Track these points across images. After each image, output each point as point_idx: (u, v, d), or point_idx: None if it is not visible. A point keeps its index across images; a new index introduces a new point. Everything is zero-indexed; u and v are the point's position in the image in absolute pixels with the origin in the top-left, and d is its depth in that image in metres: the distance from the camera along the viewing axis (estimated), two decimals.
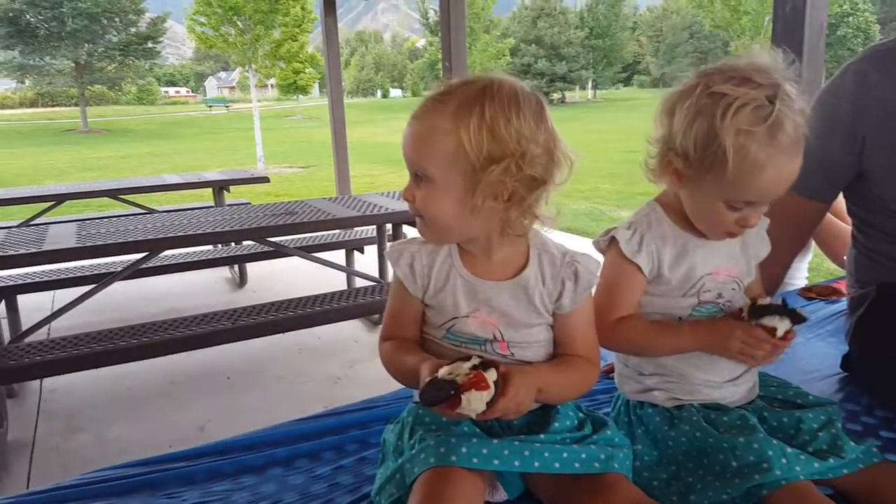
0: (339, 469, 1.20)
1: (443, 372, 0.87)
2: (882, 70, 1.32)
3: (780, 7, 2.18)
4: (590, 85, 54.42)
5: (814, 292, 2.18)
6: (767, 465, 0.95)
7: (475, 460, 0.89)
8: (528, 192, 0.94)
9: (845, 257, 1.95)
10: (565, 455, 0.93)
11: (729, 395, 1.13)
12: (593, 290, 1.09)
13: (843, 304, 2.03)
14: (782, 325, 1.04)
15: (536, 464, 0.92)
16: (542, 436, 0.96)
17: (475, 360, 0.88)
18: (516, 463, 0.91)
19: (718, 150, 0.97)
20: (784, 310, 1.05)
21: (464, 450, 0.90)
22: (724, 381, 1.13)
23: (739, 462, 0.98)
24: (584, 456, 0.94)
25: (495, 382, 0.86)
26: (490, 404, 0.85)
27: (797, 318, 1.05)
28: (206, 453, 1.25)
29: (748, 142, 0.96)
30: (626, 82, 73.14)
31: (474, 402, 0.84)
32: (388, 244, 1.11)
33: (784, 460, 0.96)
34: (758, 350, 1.05)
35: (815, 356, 1.67)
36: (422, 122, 0.97)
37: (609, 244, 1.12)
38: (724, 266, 1.13)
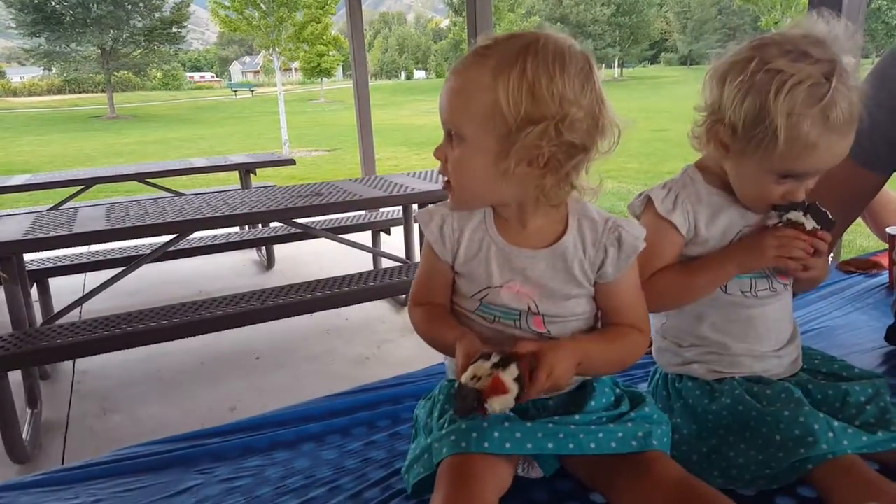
0: (371, 444, 1.20)
1: (466, 376, 0.85)
2: None
3: None
4: (616, 63, 53.45)
5: (853, 266, 2.13)
6: (813, 439, 0.92)
7: (508, 445, 0.87)
8: (567, 158, 0.88)
9: (888, 229, 1.88)
10: (601, 435, 0.90)
11: (772, 368, 1.10)
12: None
13: (883, 277, 1.99)
14: (808, 221, 1.02)
15: (571, 445, 0.89)
16: (576, 416, 0.92)
17: (495, 359, 0.85)
18: (550, 445, 0.88)
19: (769, 127, 0.94)
20: (807, 207, 1.03)
21: (496, 434, 0.87)
22: (766, 352, 1.10)
23: (784, 435, 0.95)
24: (620, 435, 0.91)
25: (517, 379, 0.83)
26: (520, 397, 0.84)
27: (821, 217, 1.03)
28: (239, 429, 1.26)
29: (801, 121, 0.93)
30: (653, 60, 71.79)
31: (499, 407, 0.83)
32: (421, 209, 1.07)
33: (831, 434, 0.93)
34: (795, 249, 1.02)
35: (856, 329, 1.63)
36: (460, 77, 0.91)
37: (644, 206, 1.10)
38: (760, 219, 1.09)
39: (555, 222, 0.98)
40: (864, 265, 2.11)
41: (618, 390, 1.03)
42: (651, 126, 14.62)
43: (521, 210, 0.96)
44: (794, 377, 1.12)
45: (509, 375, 0.83)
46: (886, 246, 1.96)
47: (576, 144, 0.88)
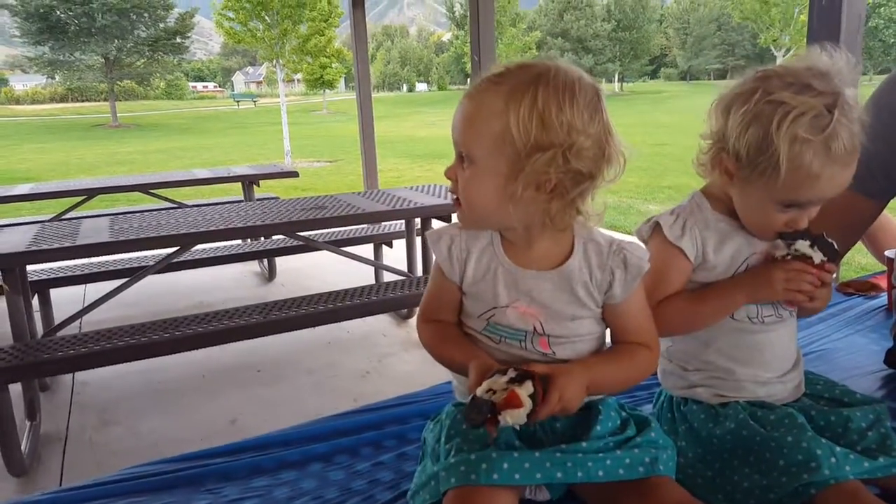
0: (378, 465, 1.20)
1: (481, 389, 0.87)
2: None
3: (816, 0, 2.11)
4: (616, 78, 53.79)
5: (852, 287, 2.13)
6: (816, 464, 0.94)
7: (517, 476, 0.87)
8: (574, 185, 0.91)
9: (886, 252, 1.89)
10: (609, 462, 0.91)
11: (775, 393, 1.11)
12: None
13: (882, 299, 1.99)
14: (816, 254, 1.04)
15: (580, 474, 0.90)
16: (584, 444, 0.93)
17: (511, 374, 0.87)
18: (559, 475, 0.89)
19: (772, 157, 0.96)
20: (812, 236, 1.05)
21: (505, 465, 0.87)
22: (770, 377, 1.11)
23: (787, 461, 0.97)
24: (628, 461, 0.92)
25: (531, 395, 0.85)
26: (532, 414, 0.85)
27: (828, 249, 1.05)
28: (245, 448, 1.26)
29: (803, 152, 0.94)
30: (653, 75, 72.29)
31: (512, 420, 0.84)
32: (431, 229, 1.09)
33: (833, 459, 0.94)
34: (803, 283, 1.04)
35: (856, 352, 1.64)
36: (473, 102, 0.94)
37: (652, 231, 1.12)
38: (767, 250, 1.10)
39: (560, 245, 1.00)
40: (863, 287, 2.12)
41: (623, 413, 1.04)
42: (651, 141, 14.69)
43: (528, 233, 0.99)
44: (796, 402, 1.13)
45: (525, 391, 0.85)
46: (884, 267, 1.96)
47: (582, 172, 0.90)
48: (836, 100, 0.95)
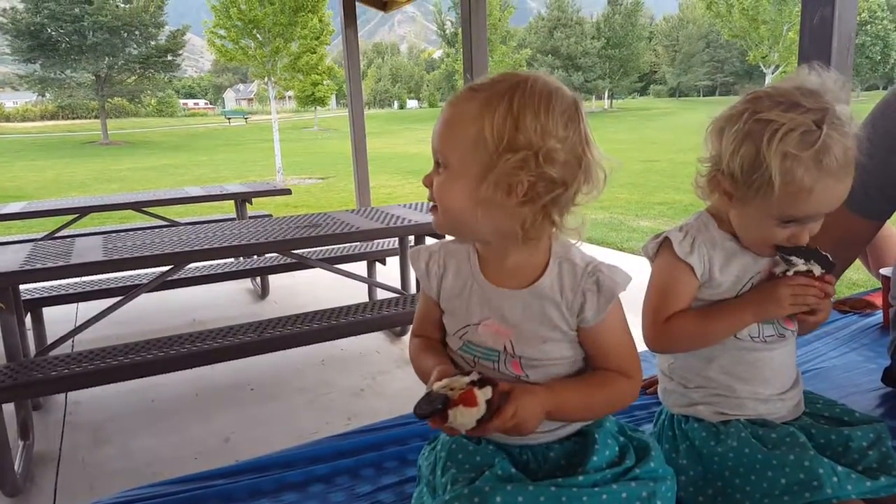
0: (379, 486, 1.20)
1: (440, 385, 0.86)
2: None
3: (807, 18, 2.14)
4: (606, 95, 54.27)
5: (848, 305, 2.14)
6: (818, 483, 0.94)
7: None
8: (546, 191, 0.90)
9: (881, 271, 1.91)
10: (605, 497, 0.90)
11: (776, 411, 1.12)
12: (643, 297, 1.08)
13: (877, 316, 2.00)
14: (815, 267, 1.06)
15: None
16: (580, 478, 0.92)
17: (474, 376, 0.87)
18: None
19: (765, 173, 0.98)
20: (807, 251, 1.06)
21: (498, 499, 0.87)
22: (770, 395, 1.12)
23: (789, 479, 0.97)
24: (624, 496, 0.90)
25: (488, 401, 0.84)
26: (483, 423, 0.84)
27: (824, 261, 1.07)
28: (245, 470, 1.25)
29: (794, 166, 0.96)
30: (643, 92, 72.96)
31: (461, 419, 0.83)
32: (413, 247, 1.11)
33: (835, 479, 0.95)
34: (808, 296, 1.05)
35: (853, 370, 1.65)
36: (451, 109, 0.95)
37: (660, 247, 1.12)
38: (768, 268, 1.12)
39: (534, 262, 0.98)
40: (858, 304, 2.12)
41: (622, 439, 1.02)
42: (641, 157, 14.78)
43: (502, 244, 0.97)
44: (797, 421, 1.14)
45: (482, 395, 0.84)
46: (879, 284, 1.98)
47: (555, 179, 0.89)
48: (824, 115, 0.96)
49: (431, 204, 0.99)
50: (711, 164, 1.08)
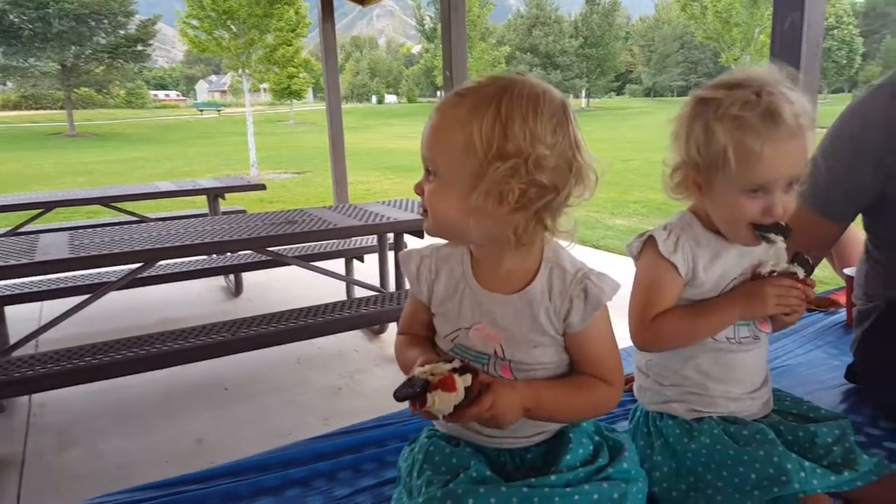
0: (356, 489, 1.18)
1: (421, 370, 0.87)
2: None
3: (778, 23, 2.19)
4: (583, 94, 54.72)
5: (813, 304, 2.18)
6: (786, 478, 0.98)
7: None
8: (538, 197, 0.90)
9: (844, 270, 1.94)
10: (577, 497, 0.90)
11: (746, 409, 1.15)
12: (627, 297, 1.08)
13: (841, 315, 2.05)
14: (798, 269, 1.09)
15: None
16: (552, 477, 0.93)
17: (456, 363, 0.88)
18: None
19: (718, 145, 1.02)
20: (786, 228, 1.07)
21: (470, 501, 0.87)
22: (741, 394, 1.15)
23: (759, 475, 1.01)
24: (595, 497, 0.91)
25: (467, 388, 0.85)
26: (460, 409, 0.85)
27: (806, 265, 1.10)
28: (220, 475, 1.22)
29: (741, 130, 1.00)
30: (619, 91, 73.77)
31: (439, 403, 0.84)
32: (405, 249, 1.10)
33: (802, 473, 0.99)
34: (792, 298, 1.08)
35: (818, 367, 1.70)
36: (439, 115, 0.95)
37: (644, 246, 1.13)
38: (752, 268, 1.14)
39: (527, 268, 0.99)
40: (823, 303, 2.18)
41: (597, 438, 1.04)
42: (617, 156, 14.95)
43: (495, 250, 0.98)
44: (766, 418, 1.17)
45: (462, 382, 0.85)
46: (843, 283, 2.02)
47: (545, 184, 0.89)
48: (763, 88, 1.01)
49: (423, 210, 0.99)
50: (675, 165, 1.11)
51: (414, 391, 0.84)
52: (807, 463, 1.00)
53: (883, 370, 1.41)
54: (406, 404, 0.86)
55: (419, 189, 0.98)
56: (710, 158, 1.03)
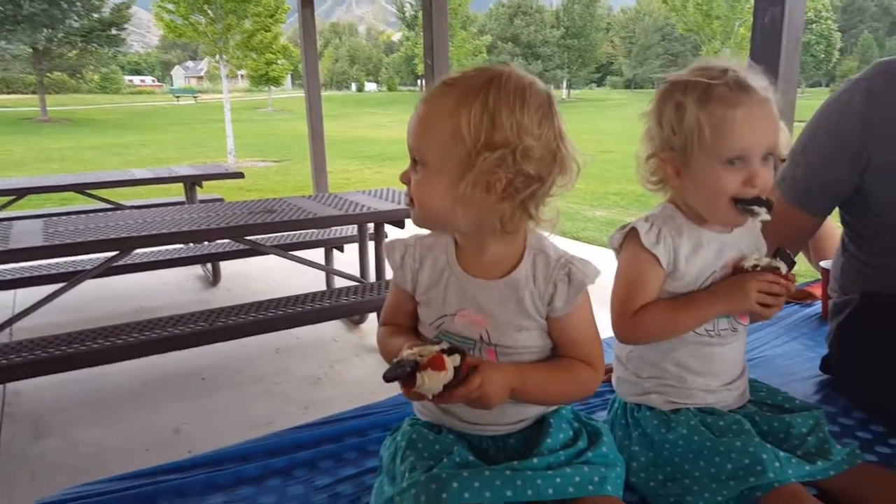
0: (338, 478, 1.18)
1: (409, 352, 0.88)
2: (894, 89, 1.31)
3: (759, 18, 2.20)
4: (565, 84, 54.78)
5: (789, 296, 2.21)
6: (761, 468, 0.99)
7: (466, 495, 0.88)
8: (524, 187, 0.92)
9: (820, 263, 1.98)
10: (558, 480, 0.93)
11: (723, 400, 1.17)
12: (612, 289, 1.10)
13: (816, 307, 2.09)
14: (781, 265, 1.10)
15: (530, 492, 0.91)
16: (534, 460, 0.95)
17: (444, 345, 0.89)
18: (509, 493, 0.91)
19: (691, 117, 1.04)
20: (768, 202, 1.08)
21: (455, 485, 0.88)
22: (718, 386, 1.17)
23: (735, 465, 1.02)
24: (577, 479, 0.94)
25: (456, 368, 0.86)
26: (449, 389, 0.86)
27: (788, 260, 1.11)
28: (199, 464, 1.22)
29: (712, 100, 1.03)
30: (600, 83, 73.94)
31: (429, 382, 0.85)
32: (389, 239, 1.11)
33: (777, 463, 1.00)
34: (774, 293, 1.09)
35: (793, 358, 1.72)
36: (426, 106, 0.96)
37: (626, 238, 1.14)
38: (734, 262, 1.15)
39: (511, 254, 1.01)
40: (799, 295, 2.20)
41: (576, 424, 1.06)
42: (597, 148, 15.01)
43: (480, 238, 1.00)
44: (742, 409, 1.18)
45: (451, 361, 0.86)
46: (819, 276, 2.06)
47: (531, 175, 0.91)
48: (727, 68, 1.05)
49: (409, 200, 1.00)
50: (652, 154, 1.13)
51: (404, 371, 0.85)
52: (782, 453, 1.02)
53: (857, 361, 1.44)
54: (390, 393, 0.87)
55: (405, 179, 0.99)
56: (685, 135, 1.05)
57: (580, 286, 0.98)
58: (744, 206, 1.06)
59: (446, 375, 0.85)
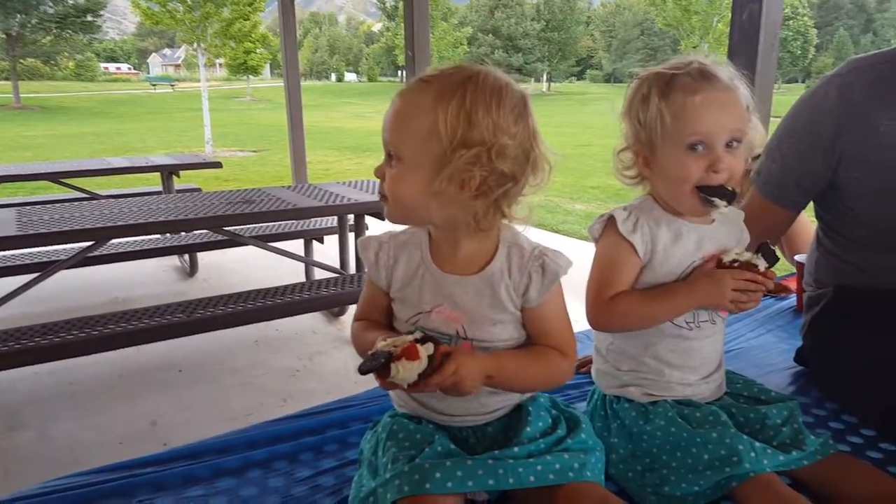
0: (319, 470, 1.18)
1: (383, 343, 0.89)
2: (867, 86, 1.34)
3: (737, 14, 2.22)
4: (545, 78, 54.84)
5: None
6: (738, 459, 1.01)
7: (449, 484, 0.89)
8: (497, 185, 0.93)
9: (795, 257, 2.02)
10: (539, 468, 0.94)
11: (700, 392, 1.19)
12: (583, 280, 1.09)
13: (791, 300, 2.12)
14: (761, 261, 1.10)
15: (511, 480, 0.93)
16: (515, 449, 0.96)
17: (417, 335, 0.90)
18: (491, 482, 0.92)
19: (653, 106, 1.07)
20: (731, 193, 1.08)
21: (437, 475, 0.89)
22: (696, 380, 1.18)
23: (711, 455, 1.03)
24: (558, 466, 0.95)
25: (430, 357, 0.87)
26: (424, 378, 0.87)
27: (770, 256, 1.11)
28: (178, 457, 1.20)
29: (674, 87, 1.06)
30: (580, 76, 74.15)
31: (403, 372, 0.86)
32: (364, 236, 1.11)
33: (753, 454, 1.02)
34: (749, 292, 1.10)
35: (769, 350, 1.75)
36: (403, 101, 0.97)
37: (605, 227, 1.15)
38: (714, 254, 1.16)
39: (485, 250, 1.02)
40: (775, 288, 2.24)
41: (554, 412, 1.08)
42: (577, 141, 15.06)
43: (454, 234, 1.01)
44: (719, 401, 1.20)
45: (424, 350, 0.88)
46: (794, 270, 2.09)
47: (505, 173, 0.93)
48: (695, 59, 1.08)
49: (381, 196, 1.01)
50: (628, 148, 1.16)
51: (378, 362, 0.86)
52: (757, 444, 1.04)
53: (830, 354, 1.46)
54: (370, 385, 0.88)
55: (380, 173, 0.99)
56: (649, 125, 1.08)
57: (554, 277, 1.00)
58: (704, 195, 1.07)
59: (420, 364, 0.86)
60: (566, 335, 1.05)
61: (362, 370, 0.87)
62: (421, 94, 0.94)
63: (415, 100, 0.94)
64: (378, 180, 1.01)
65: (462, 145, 0.90)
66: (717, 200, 1.06)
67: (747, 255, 1.11)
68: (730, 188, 1.07)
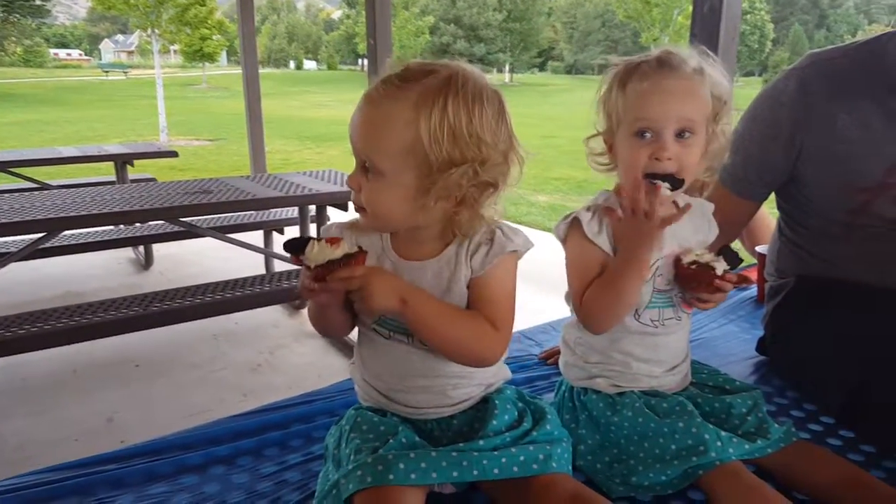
0: (284, 466, 1.16)
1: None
2: (825, 79, 1.37)
3: (698, 6, 2.25)
4: (507, 69, 54.95)
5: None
6: (704, 448, 1.02)
7: (413, 476, 0.88)
8: (480, 194, 0.94)
9: (756, 248, 2.07)
10: (504, 460, 0.94)
11: (666, 383, 1.20)
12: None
13: (752, 290, 2.17)
14: (720, 264, 1.09)
15: (475, 472, 0.92)
16: (480, 442, 0.96)
17: (354, 248, 0.89)
18: (455, 474, 0.91)
19: (613, 97, 1.10)
20: (676, 179, 1.09)
21: (401, 466, 0.88)
22: (662, 372, 1.19)
23: (678, 445, 1.05)
24: (522, 459, 0.95)
25: (348, 254, 0.86)
26: (334, 265, 0.85)
27: (732, 258, 1.11)
28: (139, 454, 1.17)
29: (633, 75, 1.08)
30: (542, 67, 74.52)
31: (317, 252, 0.86)
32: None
33: (719, 443, 1.03)
34: (702, 292, 1.12)
35: (731, 340, 1.77)
36: (377, 109, 0.92)
37: (569, 229, 1.15)
38: (677, 249, 1.16)
39: (445, 234, 1.02)
40: (736, 279, 2.29)
41: (520, 405, 1.07)
42: (539, 133, 15.16)
43: (426, 233, 1.00)
44: (685, 391, 1.22)
45: (348, 248, 0.88)
46: (755, 261, 2.14)
47: (490, 183, 0.94)
48: (662, 50, 1.10)
49: (358, 207, 0.98)
50: (592, 135, 1.18)
51: (303, 240, 0.87)
52: (723, 433, 1.05)
53: (790, 343, 1.50)
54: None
55: (355, 184, 0.96)
56: (609, 111, 1.11)
57: (499, 249, 0.98)
58: (650, 180, 1.07)
59: (334, 251, 0.85)
60: (504, 311, 1.01)
61: (286, 246, 0.89)
62: (395, 101, 0.90)
63: (389, 109, 0.91)
64: (346, 168, 0.99)
65: (450, 164, 0.90)
66: (659, 182, 1.06)
67: (708, 257, 1.11)
68: (679, 178, 1.07)
